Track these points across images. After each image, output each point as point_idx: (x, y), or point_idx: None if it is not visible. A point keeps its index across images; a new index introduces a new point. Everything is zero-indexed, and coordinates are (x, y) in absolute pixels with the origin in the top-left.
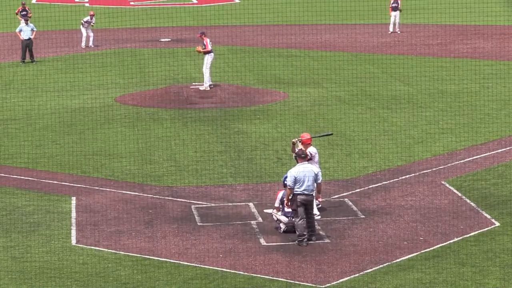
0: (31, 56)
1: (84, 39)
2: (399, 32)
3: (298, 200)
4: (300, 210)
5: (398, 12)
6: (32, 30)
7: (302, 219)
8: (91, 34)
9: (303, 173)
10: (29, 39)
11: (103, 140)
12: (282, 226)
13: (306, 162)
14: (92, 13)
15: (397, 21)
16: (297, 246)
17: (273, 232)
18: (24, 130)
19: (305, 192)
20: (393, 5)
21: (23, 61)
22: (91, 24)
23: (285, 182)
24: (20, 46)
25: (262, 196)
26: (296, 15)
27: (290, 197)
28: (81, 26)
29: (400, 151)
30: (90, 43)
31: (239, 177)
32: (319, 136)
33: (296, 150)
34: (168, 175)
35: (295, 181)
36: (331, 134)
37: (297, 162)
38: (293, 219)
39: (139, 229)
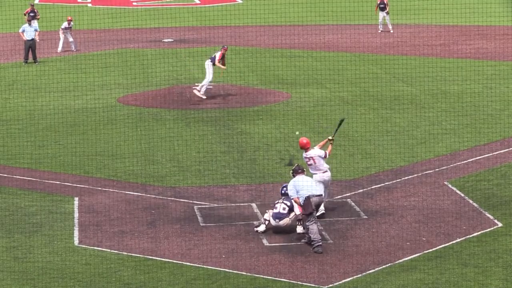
0: (34, 57)
1: (61, 43)
2: (391, 31)
3: (312, 202)
4: (315, 214)
5: (385, 12)
6: (35, 30)
7: (315, 223)
8: (71, 39)
9: (302, 182)
10: (32, 39)
11: (106, 141)
12: (262, 226)
13: (304, 175)
14: (70, 18)
15: (388, 21)
16: (300, 247)
17: (275, 232)
18: (27, 130)
19: (316, 193)
20: (381, 5)
21: (26, 62)
22: (70, 27)
23: (283, 191)
24: (23, 46)
25: (264, 196)
26: (299, 15)
27: (301, 204)
28: (60, 32)
29: (402, 152)
30: (72, 47)
31: (241, 178)
32: (336, 130)
33: (294, 167)
34: (171, 175)
35: (296, 189)
36: (344, 119)
37: (293, 177)
38: (306, 224)
39: (141, 229)
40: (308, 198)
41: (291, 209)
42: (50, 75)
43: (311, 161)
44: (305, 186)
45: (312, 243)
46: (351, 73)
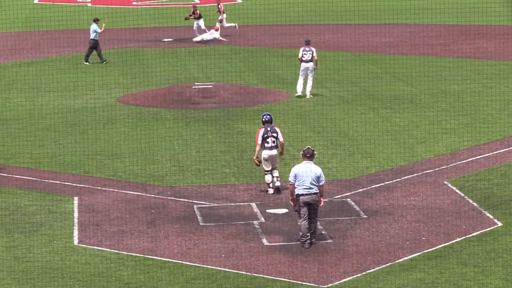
0: (87, 56)
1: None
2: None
3: (301, 200)
4: (303, 211)
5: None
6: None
7: (304, 220)
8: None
9: (305, 170)
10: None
11: (106, 140)
12: (270, 190)
13: (311, 162)
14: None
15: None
16: (300, 246)
17: (275, 232)
18: (27, 130)
19: (305, 192)
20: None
21: (104, 61)
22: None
23: (264, 119)
24: (92, 46)
25: (264, 196)
26: (299, 15)
27: (293, 197)
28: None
29: (402, 151)
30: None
31: (241, 177)
32: None
33: (304, 149)
34: (171, 175)
35: (296, 177)
36: None
37: (304, 160)
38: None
39: (141, 229)
40: (297, 196)
41: (276, 137)
42: (49, 74)
43: None
44: (301, 181)
45: (301, 239)
46: (351, 72)
